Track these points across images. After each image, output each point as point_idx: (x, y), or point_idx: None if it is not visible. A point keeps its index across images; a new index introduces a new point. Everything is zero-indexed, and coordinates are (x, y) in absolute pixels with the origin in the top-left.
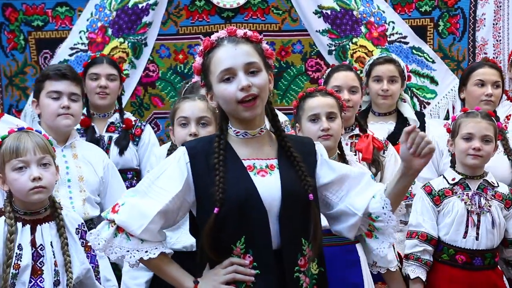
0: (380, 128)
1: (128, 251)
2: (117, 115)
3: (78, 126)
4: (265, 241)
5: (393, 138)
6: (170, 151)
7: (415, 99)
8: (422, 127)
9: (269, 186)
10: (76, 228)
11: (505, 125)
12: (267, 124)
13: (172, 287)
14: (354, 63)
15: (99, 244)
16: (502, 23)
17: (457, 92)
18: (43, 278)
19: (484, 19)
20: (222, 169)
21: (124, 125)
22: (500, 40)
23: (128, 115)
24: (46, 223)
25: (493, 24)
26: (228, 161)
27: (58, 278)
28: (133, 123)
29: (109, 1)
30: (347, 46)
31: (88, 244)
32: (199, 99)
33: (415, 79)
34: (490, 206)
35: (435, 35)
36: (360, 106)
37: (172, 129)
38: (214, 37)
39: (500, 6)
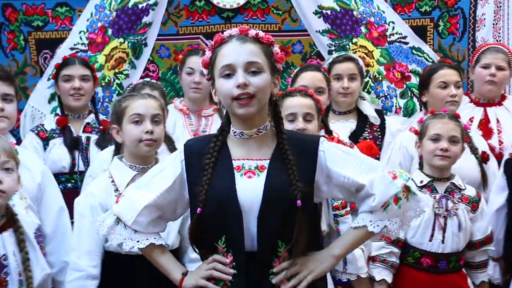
0: (341, 127)
1: (125, 239)
2: (92, 115)
3: (54, 126)
4: (239, 243)
5: (355, 136)
6: (116, 154)
7: (415, 99)
8: (382, 125)
9: (252, 187)
10: (34, 233)
11: (468, 127)
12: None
13: None
14: None
15: (103, 230)
16: (502, 23)
17: None
18: None
19: (484, 19)
20: (211, 171)
21: (101, 126)
22: (500, 40)
23: (102, 116)
24: (5, 231)
25: (493, 24)
26: (220, 162)
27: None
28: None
29: (109, 1)
30: (347, 46)
31: (42, 248)
32: (150, 97)
33: (415, 79)
34: (457, 209)
35: (435, 35)
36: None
37: (117, 128)
38: (226, 33)
39: (500, 6)
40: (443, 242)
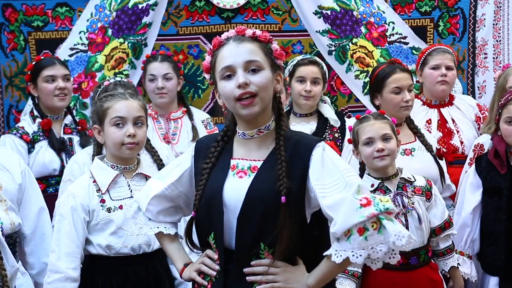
0: (302, 129)
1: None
2: (69, 116)
3: (35, 128)
4: (219, 241)
5: (316, 136)
6: (95, 156)
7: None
8: (343, 126)
9: (238, 188)
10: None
11: (428, 129)
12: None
13: None
14: (354, 64)
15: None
16: (502, 23)
17: (457, 92)
18: None
19: (484, 19)
20: (206, 177)
21: (79, 127)
22: (500, 40)
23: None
24: None
25: (493, 24)
26: (220, 162)
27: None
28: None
29: (109, 1)
30: (347, 47)
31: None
32: (131, 97)
33: (415, 79)
34: (413, 204)
35: (435, 36)
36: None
37: (98, 129)
38: (223, 36)
39: (500, 6)
40: None
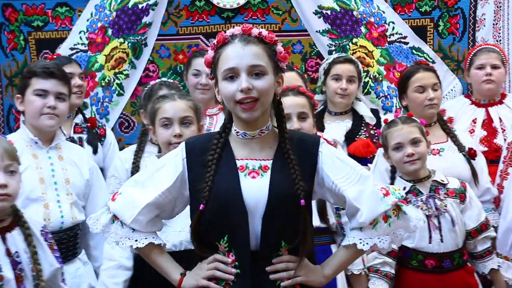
0: (337, 127)
1: (121, 237)
2: (80, 115)
3: None
4: (244, 242)
5: (351, 135)
6: (137, 153)
7: None
8: (378, 123)
9: (256, 188)
10: (40, 231)
11: (472, 129)
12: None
13: (155, 285)
14: None
15: (97, 228)
16: (502, 23)
17: (457, 92)
18: (24, 284)
19: (484, 19)
20: (214, 168)
21: (89, 124)
22: (500, 40)
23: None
24: (13, 230)
25: (493, 24)
26: (223, 160)
27: (37, 282)
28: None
29: (109, 1)
30: (347, 47)
31: (52, 245)
32: (179, 98)
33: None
34: (446, 206)
35: (435, 35)
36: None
37: (152, 129)
38: (228, 32)
39: (500, 6)
40: (442, 241)
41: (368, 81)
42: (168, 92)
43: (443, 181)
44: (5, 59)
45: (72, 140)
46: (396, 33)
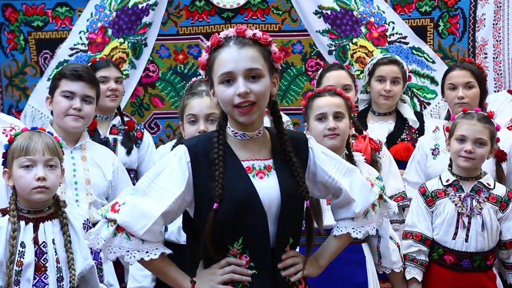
0: (380, 128)
1: (128, 251)
2: (118, 117)
3: None
4: (264, 243)
5: (393, 137)
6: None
7: (415, 99)
8: (421, 128)
9: (268, 188)
10: (83, 223)
11: (510, 126)
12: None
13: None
14: (354, 64)
15: (98, 243)
16: (502, 23)
17: None
18: (47, 275)
19: (484, 19)
20: (222, 165)
21: (126, 127)
22: (500, 40)
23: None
24: (49, 221)
25: (493, 24)
26: (227, 160)
27: (61, 275)
28: (135, 125)
29: (109, 1)
30: (347, 47)
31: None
32: (207, 95)
33: (415, 79)
34: (481, 209)
35: (435, 35)
36: (357, 106)
37: (182, 125)
38: (222, 34)
39: (500, 6)
40: (466, 240)
41: None
42: (199, 89)
43: (489, 185)
44: (5, 59)
45: (106, 140)
46: (396, 33)
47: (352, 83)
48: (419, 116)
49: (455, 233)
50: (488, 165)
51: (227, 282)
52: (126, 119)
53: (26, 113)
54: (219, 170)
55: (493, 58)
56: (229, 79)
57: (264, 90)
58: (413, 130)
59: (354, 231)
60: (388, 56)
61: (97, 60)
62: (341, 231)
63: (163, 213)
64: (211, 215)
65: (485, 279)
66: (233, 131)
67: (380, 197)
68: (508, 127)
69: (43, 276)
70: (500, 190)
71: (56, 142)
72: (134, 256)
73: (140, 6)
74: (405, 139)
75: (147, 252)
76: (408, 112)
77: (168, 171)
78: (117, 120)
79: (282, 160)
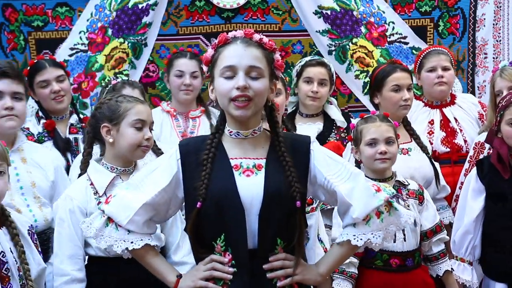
0: (309, 129)
1: (116, 240)
2: (74, 116)
3: (40, 129)
4: (241, 241)
5: (323, 137)
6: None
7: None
8: (349, 127)
9: (252, 185)
10: (28, 230)
11: (431, 130)
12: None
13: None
14: (354, 64)
15: (90, 232)
16: (502, 23)
17: (457, 92)
18: (11, 284)
19: (484, 19)
20: (209, 166)
21: (84, 124)
22: (500, 40)
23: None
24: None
25: (493, 24)
26: (217, 160)
27: (24, 282)
28: None
29: (109, 1)
30: (347, 47)
31: (37, 245)
32: (145, 104)
33: (416, 79)
34: (408, 206)
35: (435, 35)
36: (286, 109)
37: (109, 128)
38: (231, 34)
39: (500, 6)
40: (405, 240)
41: (368, 81)
42: (123, 91)
43: (404, 182)
44: (5, 59)
45: (67, 140)
46: (396, 33)
47: (282, 87)
48: (346, 116)
49: (394, 236)
50: (427, 164)
51: (209, 279)
52: (82, 116)
53: (29, 114)
54: (206, 171)
55: (493, 58)
56: (230, 73)
57: (263, 89)
58: (341, 130)
59: (354, 238)
60: (316, 58)
61: (34, 62)
62: (342, 238)
63: (144, 204)
64: (194, 213)
65: (423, 273)
66: (229, 130)
67: (390, 204)
68: (428, 132)
69: (9, 286)
70: (413, 185)
71: (3, 147)
72: (120, 246)
73: (140, 6)
74: (334, 139)
75: (131, 242)
76: (334, 113)
77: (158, 167)
78: (74, 119)
79: (276, 160)
